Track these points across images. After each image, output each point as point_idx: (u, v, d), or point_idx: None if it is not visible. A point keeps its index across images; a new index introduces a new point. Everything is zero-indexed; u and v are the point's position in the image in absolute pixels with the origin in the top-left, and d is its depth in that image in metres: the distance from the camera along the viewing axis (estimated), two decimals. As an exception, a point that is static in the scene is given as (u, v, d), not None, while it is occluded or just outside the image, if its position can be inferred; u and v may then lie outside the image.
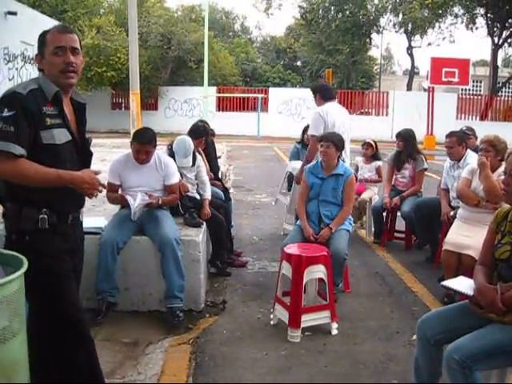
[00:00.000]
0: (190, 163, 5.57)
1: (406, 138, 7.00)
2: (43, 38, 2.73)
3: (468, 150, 5.90)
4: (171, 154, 5.54)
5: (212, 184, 6.13)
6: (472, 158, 5.60)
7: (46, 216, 2.68)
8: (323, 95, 6.02)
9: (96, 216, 5.11)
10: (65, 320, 2.71)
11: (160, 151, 4.99)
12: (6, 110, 2.52)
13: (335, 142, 5.13)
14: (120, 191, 4.81)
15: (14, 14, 13.72)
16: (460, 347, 2.71)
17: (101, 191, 2.81)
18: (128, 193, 4.72)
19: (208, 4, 28.78)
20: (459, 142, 5.89)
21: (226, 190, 6.69)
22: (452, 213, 5.60)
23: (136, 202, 4.55)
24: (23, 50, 14.59)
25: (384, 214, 7.11)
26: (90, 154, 2.95)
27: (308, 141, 7.03)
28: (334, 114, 5.82)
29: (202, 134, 6.16)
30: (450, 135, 5.99)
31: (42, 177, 2.60)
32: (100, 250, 4.39)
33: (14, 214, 2.65)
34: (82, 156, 2.86)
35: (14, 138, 2.50)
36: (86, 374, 2.81)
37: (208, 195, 5.59)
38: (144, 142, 4.63)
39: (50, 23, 15.60)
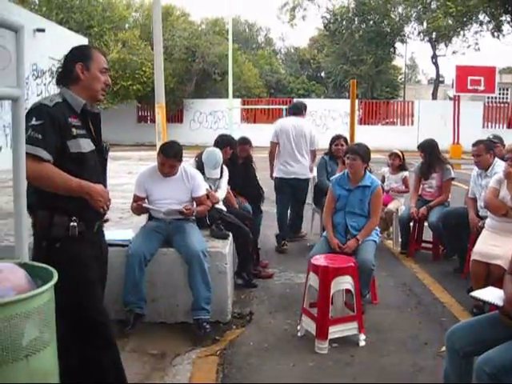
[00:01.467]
0: (219, 175, 5.62)
1: (426, 149, 6.96)
2: (88, 52, 2.92)
3: (496, 159, 5.83)
4: (199, 166, 5.58)
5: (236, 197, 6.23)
6: (500, 167, 5.54)
7: (75, 224, 2.79)
8: (287, 111, 7.93)
9: (123, 228, 5.16)
10: (90, 325, 2.79)
11: (186, 163, 5.03)
12: (34, 119, 2.67)
13: (361, 154, 5.12)
14: (147, 203, 4.84)
15: (43, 30, 13.97)
16: (490, 359, 2.67)
17: (108, 207, 2.95)
18: (155, 205, 4.74)
19: (231, 17, 28.96)
20: (487, 149, 5.83)
21: (259, 203, 6.73)
22: (481, 223, 5.54)
23: (174, 207, 4.64)
24: (51, 66, 14.82)
25: (411, 224, 7.06)
26: (106, 161, 3.10)
27: (336, 152, 7.11)
28: (284, 125, 7.40)
29: (227, 143, 6.21)
30: (477, 143, 5.93)
31: (65, 182, 2.73)
32: (127, 262, 4.42)
33: (46, 222, 2.75)
34: (102, 164, 3.02)
35: (42, 144, 2.66)
36: (112, 379, 2.85)
37: (218, 194, 5.57)
38: (169, 155, 4.63)
39: (77, 39, 15.88)
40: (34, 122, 2.67)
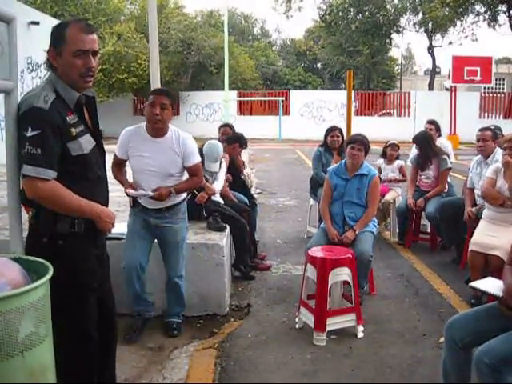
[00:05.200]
0: (218, 168, 5.59)
1: (420, 142, 6.95)
2: (63, 32, 2.50)
3: (497, 148, 5.82)
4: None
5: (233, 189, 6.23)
6: (500, 156, 5.52)
7: (81, 220, 2.59)
8: None
9: (120, 221, 5.12)
10: (79, 337, 2.64)
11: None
12: (30, 129, 2.36)
13: (366, 145, 5.14)
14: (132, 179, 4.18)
15: (37, 23, 13.93)
16: (490, 350, 2.66)
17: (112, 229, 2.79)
18: (137, 176, 4.08)
19: (227, 9, 28.86)
20: (493, 137, 5.82)
21: (251, 196, 6.72)
22: (474, 209, 5.54)
23: (138, 192, 4.03)
24: (46, 59, 14.81)
25: (409, 214, 7.04)
26: (104, 152, 2.83)
27: (331, 143, 7.06)
28: None
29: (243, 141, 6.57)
30: (485, 129, 5.92)
31: (75, 204, 2.52)
32: (125, 275, 4.16)
33: (49, 217, 2.54)
34: (101, 154, 2.79)
35: (43, 160, 2.38)
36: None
37: (215, 186, 5.52)
38: (160, 92, 4.03)
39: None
40: (29, 132, 2.35)
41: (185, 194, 4.29)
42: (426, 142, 6.94)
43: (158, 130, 3.96)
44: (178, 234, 4.22)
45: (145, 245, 4.23)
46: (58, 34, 2.52)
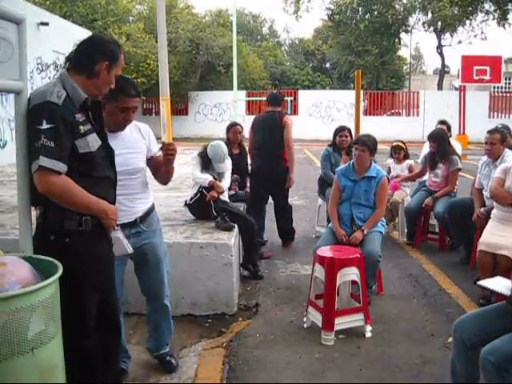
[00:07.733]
0: (227, 166, 5.61)
1: (439, 139, 6.90)
2: (118, 55, 2.72)
3: (506, 149, 5.78)
4: (205, 161, 5.56)
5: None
6: (510, 157, 5.49)
7: (88, 217, 2.62)
8: None
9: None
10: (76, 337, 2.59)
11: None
12: (44, 122, 2.42)
13: (370, 146, 5.11)
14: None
15: (46, 24, 14.01)
16: (495, 349, 2.66)
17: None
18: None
19: (236, 8, 28.87)
20: (502, 140, 5.76)
21: None
22: (482, 209, 5.51)
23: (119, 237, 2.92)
24: (55, 60, 14.87)
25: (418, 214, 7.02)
26: (113, 152, 2.85)
27: (340, 143, 7.07)
28: None
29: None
30: (493, 132, 5.85)
31: (86, 197, 2.56)
32: None
33: (57, 215, 2.57)
34: (109, 155, 2.81)
35: (56, 153, 2.43)
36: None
37: (223, 184, 5.51)
38: (133, 95, 3.21)
39: (80, 32, 15.86)
40: (44, 125, 2.41)
41: (152, 200, 3.53)
42: (443, 138, 6.91)
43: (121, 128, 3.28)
44: (159, 250, 3.54)
45: (119, 273, 3.30)
46: (115, 54, 2.71)
